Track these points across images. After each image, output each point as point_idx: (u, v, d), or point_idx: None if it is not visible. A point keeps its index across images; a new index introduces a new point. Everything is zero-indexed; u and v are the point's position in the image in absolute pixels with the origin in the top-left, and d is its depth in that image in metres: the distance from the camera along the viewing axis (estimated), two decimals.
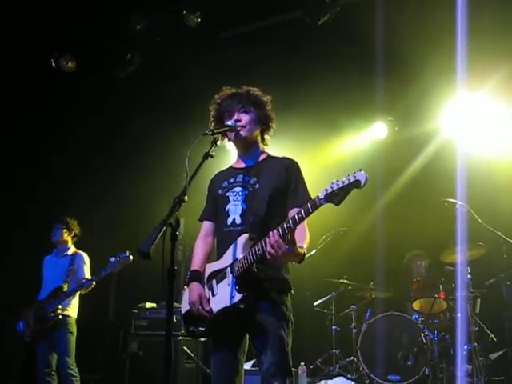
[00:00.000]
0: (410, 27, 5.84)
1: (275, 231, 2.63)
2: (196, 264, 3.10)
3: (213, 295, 2.90)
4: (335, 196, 2.47)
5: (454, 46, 5.75)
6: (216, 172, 3.28)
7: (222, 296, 2.83)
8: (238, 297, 2.74)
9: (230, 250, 2.88)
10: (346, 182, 2.45)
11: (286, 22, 6.60)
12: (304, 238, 2.84)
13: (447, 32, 5.74)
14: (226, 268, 2.87)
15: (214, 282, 2.92)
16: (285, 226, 2.61)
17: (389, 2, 5.87)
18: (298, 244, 2.69)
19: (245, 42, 6.73)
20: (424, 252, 6.62)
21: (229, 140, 3.12)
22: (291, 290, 2.96)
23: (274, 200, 2.92)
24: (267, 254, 2.64)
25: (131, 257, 5.22)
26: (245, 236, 2.84)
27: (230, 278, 2.82)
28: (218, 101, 3.14)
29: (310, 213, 2.57)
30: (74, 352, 5.43)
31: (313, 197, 2.63)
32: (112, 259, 5.24)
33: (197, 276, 3.03)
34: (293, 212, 2.85)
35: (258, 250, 2.70)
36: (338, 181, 2.48)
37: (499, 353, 5.86)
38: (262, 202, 2.91)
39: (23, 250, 6.75)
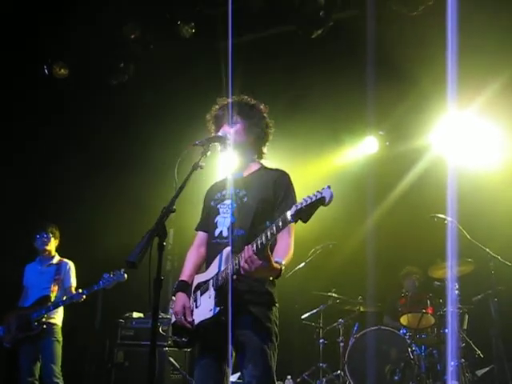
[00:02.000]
0: (401, 43, 5.90)
1: (249, 246, 2.61)
2: (185, 274, 3.10)
3: (196, 307, 2.90)
4: (303, 212, 2.43)
5: (444, 63, 5.80)
6: (212, 183, 3.28)
7: (204, 308, 2.83)
8: (215, 310, 2.74)
9: (215, 262, 2.88)
10: (313, 199, 2.41)
11: (279, 35, 6.63)
12: (285, 254, 2.79)
13: (438, 48, 5.78)
14: (209, 280, 2.86)
15: (198, 293, 2.92)
16: (258, 241, 2.59)
17: (380, 19, 5.91)
18: (275, 259, 2.67)
19: (237, 53, 6.75)
20: (419, 269, 6.61)
21: (222, 148, 3.09)
22: (276, 304, 2.93)
23: (260, 213, 2.90)
24: (241, 269, 2.63)
25: (125, 275, 5.16)
26: (228, 249, 2.83)
27: (211, 290, 2.82)
28: (212, 113, 3.16)
29: (281, 229, 2.53)
30: (60, 360, 5.37)
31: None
32: (106, 275, 5.17)
33: (183, 286, 3.02)
34: None
35: (236, 264, 2.69)
36: (307, 197, 2.45)
37: (486, 369, 5.86)
38: (249, 215, 2.90)
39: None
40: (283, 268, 2.71)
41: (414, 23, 5.89)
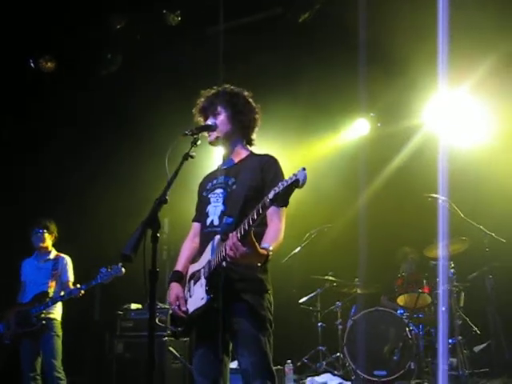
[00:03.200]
0: (392, 23, 5.86)
1: (234, 233, 2.59)
2: (179, 265, 3.11)
3: (190, 296, 2.91)
4: (280, 196, 2.40)
5: (435, 42, 5.78)
6: (205, 174, 3.27)
7: (196, 297, 2.83)
8: (205, 298, 2.74)
9: (207, 251, 2.88)
10: (288, 182, 2.37)
11: (267, 19, 6.58)
12: (274, 240, 2.77)
13: (429, 28, 5.76)
14: (201, 269, 2.87)
15: (192, 282, 2.93)
16: (242, 228, 2.57)
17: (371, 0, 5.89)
18: (262, 245, 2.67)
19: (225, 39, 6.71)
20: (415, 249, 6.63)
21: (211, 139, 3.08)
22: (268, 291, 2.92)
23: (249, 199, 2.87)
24: (227, 256, 2.63)
25: (123, 269, 5.14)
26: (218, 237, 2.82)
27: (202, 278, 2.82)
28: (198, 107, 3.15)
29: (260, 214, 2.49)
30: (61, 355, 5.39)
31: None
32: (103, 270, 5.14)
33: (177, 277, 3.03)
34: (271, 210, 2.84)
35: (222, 251, 2.69)
36: (283, 180, 2.42)
37: (483, 345, 5.92)
38: (238, 203, 2.88)
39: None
40: (270, 254, 2.69)
41: (403, 2, 5.86)
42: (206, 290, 2.75)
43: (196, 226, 3.18)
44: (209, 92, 3.13)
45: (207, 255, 2.86)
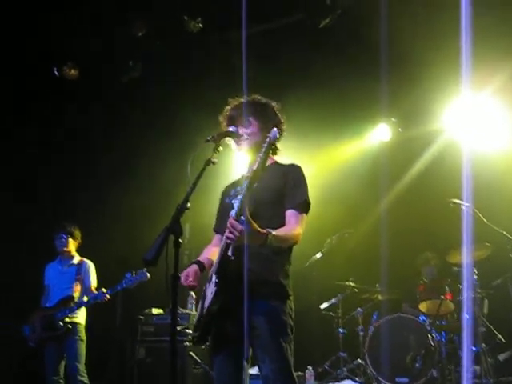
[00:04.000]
0: (413, 28, 5.84)
1: (230, 214, 2.71)
2: (200, 258, 3.13)
3: (205, 298, 2.91)
4: (262, 161, 2.69)
5: (457, 46, 5.72)
6: (228, 183, 3.31)
7: (209, 295, 2.85)
8: (214, 289, 2.76)
9: (219, 250, 2.91)
10: (264, 146, 2.72)
11: (288, 25, 6.60)
12: (282, 230, 2.82)
13: (451, 32, 5.69)
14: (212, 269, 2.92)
15: (206, 285, 2.94)
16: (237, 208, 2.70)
17: (392, 4, 5.86)
18: (266, 230, 2.70)
19: (246, 46, 6.73)
20: (437, 255, 6.56)
21: (235, 145, 3.12)
22: (290, 296, 2.92)
23: (266, 202, 2.92)
24: (227, 240, 2.67)
25: (148, 274, 5.15)
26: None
27: (213, 276, 2.85)
28: (225, 114, 3.17)
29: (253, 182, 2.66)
30: (84, 359, 5.43)
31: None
32: (128, 275, 5.18)
33: (195, 262, 3.05)
34: (290, 212, 2.88)
35: (223, 240, 2.74)
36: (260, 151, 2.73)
37: (508, 353, 5.83)
38: (257, 205, 2.89)
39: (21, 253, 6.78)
40: (271, 236, 2.70)
41: (425, 6, 5.83)
42: (216, 282, 2.77)
43: (217, 236, 3.20)
44: (238, 101, 3.16)
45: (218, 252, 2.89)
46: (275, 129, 2.77)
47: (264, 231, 2.69)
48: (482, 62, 5.68)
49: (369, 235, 6.85)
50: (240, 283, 2.71)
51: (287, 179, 2.99)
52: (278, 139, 2.86)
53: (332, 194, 6.70)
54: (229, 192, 3.18)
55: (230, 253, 2.71)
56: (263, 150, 2.70)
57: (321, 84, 6.72)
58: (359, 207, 6.98)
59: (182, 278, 2.91)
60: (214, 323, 2.85)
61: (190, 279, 2.92)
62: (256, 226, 2.67)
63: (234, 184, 3.21)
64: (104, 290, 5.33)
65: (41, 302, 5.70)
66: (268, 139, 2.72)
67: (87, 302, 5.36)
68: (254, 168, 2.68)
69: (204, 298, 2.91)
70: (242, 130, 3.06)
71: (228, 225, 2.63)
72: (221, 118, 3.19)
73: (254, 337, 2.81)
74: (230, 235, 2.63)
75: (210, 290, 2.84)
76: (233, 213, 2.76)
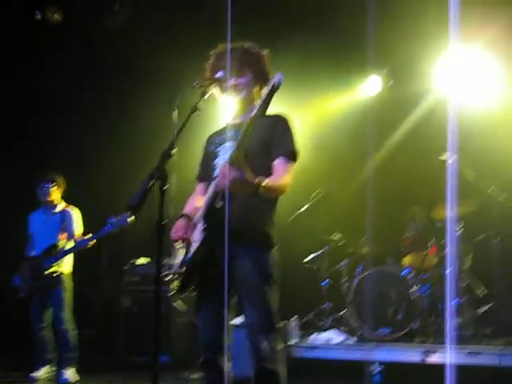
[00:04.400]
0: None
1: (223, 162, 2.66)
2: (186, 211, 3.08)
3: (189, 245, 2.89)
4: (264, 107, 2.60)
5: None
6: (212, 132, 3.23)
7: (194, 241, 2.83)
8: (200, 237, 2.75)
9: (205, 196, 2.87)
10: (267, 91, 2.59)
11: None
12: (273, 179, 2.78)
13: None
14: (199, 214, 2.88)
15: (190, 231, 2.91)
16: (232, 153, 2.64)
17: None
18: (257, 178, 2.67)
19: None
20: (423, 211, 6.58)
21: (222, 91, 3.02)
22: (274, 245, 2.91)
23: (257, 151, 2.86)
24: (217, 186, 2.64)
25: (131, 218, 5.11)
26: (215, 180, 2.79)
27: (200, 221, 2.83)
28: (213, 59, 3.06)
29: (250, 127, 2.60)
30: (70, 307, 5.45)
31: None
32: (112, 219, 5.14)
33: (182, 216, 3.00)
34: (277, 161, 2.85)
35: (214, 186, 2.70)
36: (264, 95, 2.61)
37: (487, 306, 5.95)
38: (244, 155, 2.85)
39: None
40: (263, 185, 2.67)
41: None
42: (202, 231, 2.74)
43: (201, 185, 3.15)
44: (225, 48, 3.03)
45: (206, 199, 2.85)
46: (279, 73, 2.59)
47: (256, 181, 2.65)
48: (472, 14, 5.58)
49: (356, 190, 6.85)
50: (223, 227, 2.67)
51: (274, 130, 2.94)
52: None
53: (320, 147, 6.67)
54: (213, 140, 3.12)
55: (217, 201, 2.68)
56: (265, 95, 2.58)
57: (311, 35, 6.58)
58: (347, 161, 6.95)
59: (172, 233, 2.89)
60: (198, 271, 2.84)
61: (180, 233, 2.88)
62: (250, 174, 2.62)
63: (219, 132, 3.14)
64: (87, 236, 5.30)
65: (25, 251, 5.67)
66: (272, 84, 2.56)
67: (70, 249, 5.35)
68: (253, 114, 2.60)
69: (188, 245, 2.89)
70: (233, 80, 2.98)
71: (220, 171, 2.57)
72: (208, 62, 3.07)
73: (240, 284, 2.81)
74: (221, 182, 2.58)
75: (195, 237, 2.82)
76: (222, 160, 2.72)
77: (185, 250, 2.90)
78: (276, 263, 2.89)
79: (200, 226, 2.81)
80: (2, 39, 6.65)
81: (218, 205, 2.67)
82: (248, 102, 3.04)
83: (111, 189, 6.63)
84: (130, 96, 7.26)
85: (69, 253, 5.40)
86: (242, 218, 2.78)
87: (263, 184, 2.68)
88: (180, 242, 2.89)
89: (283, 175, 2.84)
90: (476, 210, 5.92)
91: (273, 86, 2.54)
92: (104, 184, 6.88)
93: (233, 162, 2.57)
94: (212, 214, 2.74)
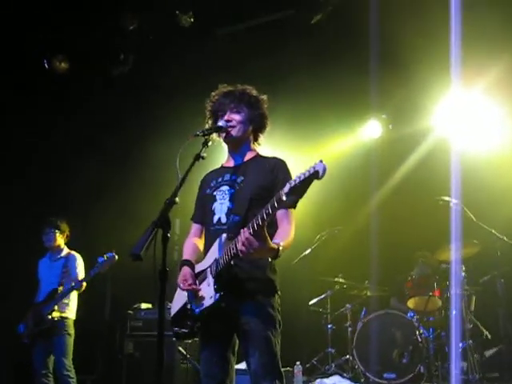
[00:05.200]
0: (403, 24, 5.85)
1: (245, 229, 2.60)
2: (186, 256, 3.09)
3: (195, 296, 2.88)
4: (297, 189, 2.41)
5: (448, 44, 5.76)
6: (207, 171, 3.26)
7: (203, 296, 2.83)
8: (215, 296, 2.74)
9: (213, 249, 2.88)
10: (307, 174, 2.39)
11: (279, 20, 6.59)
12: (285, 237, 2.80)
13: (441, 29, 5.74)
14: (207, 268, 2.87)
15: (197, 282, 2.91)
16: (254, 223, 2.59)
17: (382, 0, 5.87)
18: (273, 241, 2.69)
19: (238, 40, 6.74)
20: (427, 252, 6.55)
21: (220, 137, 3.09)
22: (278, 291, 2.93)
23: (257, 199, 2.88)
24: (239, 252, 2.63)
25: (116, 256, 5.23)
26: (224, 235, 2.83)
27: (209, 277, 2.82)
28: (213, 99, 3.13)
29: (276, 208, 2.51)
30: (71, 353, 5.42)
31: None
32: (100, 259, 5.24)
33: (187, 262, 3.01)
34: (281, 213, 2.86)
35: (232, 248, 2.69)
36: (300, 174, 2.43)
37: (494, 350, 5.88)
38: (245, 201, 2.89)
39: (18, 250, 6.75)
40: (281, 249, 2.70)
41: (416, 3, 5.83)
42: (215, 289, 2.75)
43: (195, 226, 3.18)
44: (226, 88, 3.13)
45: (214, 254, 2.86)
46: (322, 163, 2.36)
47: (275, 246, 2.69)
48: (472, 59, 5.73)
49: (358, 232, 6.87)
50: (231, 282, 2.74)
51: (275, 177, 2.96)
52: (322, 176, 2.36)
53: (321, 190, 6.69)
54: (209, 182, 3.13)
55: (233, 261, 2.73)
56: (303, 177, 2.38)
57: (311, 79, 6.71)
58: (349, 204, 6.99)
59: (180, 282, 2.90)
60: (205, 319, 2.85)
61: (189, 282, 2.89)
62: (270, 242, 2.65)
63: (214, 174, 3.16)
64: (83, 277, 5.38)
65: (35, 298, 5.69)
66: (315, 170, 2.35)
67: (68, 290, 5.35)
68: (285, 191, 2.43)
69: (195, 294, 2.89)
70: (231, 115, 3.03)
71: (243, 238, 2.58)
72: (208, 102, 3.14)
73: (243, 331, 2.82)
74: (244, 249, 2.59)
75: (204, 290, 2.83)
76: (220, 204, 2.76)
77: (187, 298, 2.91)
78: (279, 309, 2.91)
79: (210, 281, 2.81)
80: (9, 85, 6.80)
81: (233, 271, 2.74)
82: (241, 143, 3.09)
83: (112, 237, 6.66)
84: (135, 143, 7.39)
85: (66, 294, 5.39)
86: (244, 268, 2.81)
87: (281, 248, 2.72)
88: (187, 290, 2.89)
89: (290, 229, 2.88)
90: (479, 251, 5.92)
91: (315, 172, 2.36)
92: (105, 231, 6.91)
93: (256, 231, 2.58)
94: (225, 273, 2.76)
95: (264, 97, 3.17)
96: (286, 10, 6.47)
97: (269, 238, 2.63)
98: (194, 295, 2.88)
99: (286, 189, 2.42)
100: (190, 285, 2.87)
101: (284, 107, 5.63)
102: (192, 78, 6.75)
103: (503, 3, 5.67)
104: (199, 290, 2.85)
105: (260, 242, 2.58)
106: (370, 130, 7.39)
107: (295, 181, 2.40)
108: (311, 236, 6.64)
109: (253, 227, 2.57)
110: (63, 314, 5.42)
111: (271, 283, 2.92)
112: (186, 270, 2.96)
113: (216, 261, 2.81)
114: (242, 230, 2.61)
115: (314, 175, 2.35)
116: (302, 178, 2.38)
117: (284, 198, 2.43)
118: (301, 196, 2.44)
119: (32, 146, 7.17)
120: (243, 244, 2.58)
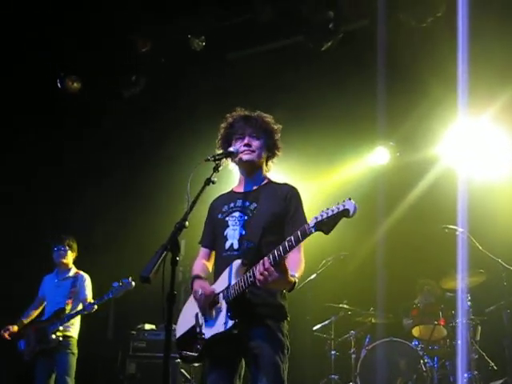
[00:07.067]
0: (411, 53, 5.92)
1: (266, 258, 2.62)
2: (197, 272, 3.10)
3: (205, 320, 2.90)
4: (324, 225, 2.47)
5: (455, 72, 5.81)
6: (217, 195, 3.28)
7: (215, 322, 2.83)
8: (229, 323, 2.75)
9: (224, 274, 2.89)
10: (336, 211, 2.45)
11: (289, 46, 6.68)
12: (297, 268, 2.83)
13: (449, 58, 5.80)
14: (219, 293, 2.88)
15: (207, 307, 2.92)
16: (276, 253, 2.61)
17: (391, 30, 5.94)
18: (290, 272, 2.70)
19: (248, 65, 6.82)
20: (432, 281, 6.53)
21: (232, 161, 3.13)
22: (287, 317, 2.95)
23: (271, 226, 2.92)
24: (257, 281, 2.64)
25: (133, 283, 5.21)
26: (238, 261, 2.85)
27: (223, 303, 2.83)
28: (230, 120, 3.16)
29: (300, 241, 2.57)
30: (74, 372, 5.40)
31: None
32: (115, 284, 5.24)
33: (200, 277, 3.02)
34: None
35: (250, 276, 2.71)
36: (327, 209, 2.48)
37: (499, 381, 5.80)
38: (259, 228, 2.92)
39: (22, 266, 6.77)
40: (296, 281, 2.74)
41: (423, 32, 5.90)
42: (229, 316, 2.76)
43: (204, 250, 3.19)
44: (243, 112, 3.18)
45: (225, 279, 2.86)
46: (351, 201, 2.46)
47: (293, 279, 2.73)
48: (479, 87, 5.77)
49: (364, 258, 6.85)
50: (244, 309, 2.77)
51: (288, 205, 3.00)
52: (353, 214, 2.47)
53: None
54: (220, 207, 3.15)
55: (247, 293, 2.77)
56: (331, 213, 2.46)
57: (318, 106, 6.78)
58: (355, 230, 6.94)
59: (199, 291, 2.89)
60: (215, 344, 2.85)
61: (209, 290, 2.89)
62: (289, 274, 2.68)
63: (225, 199, 3.19)
64: (91, 300, 5.34)
65: (27, 311, 5.68)
66: (345, 208, 2.44)
67: (77, 312, 5.35)
68: (309, 228, 2.53)
69: (202, 319, 2.90)
70: (249, 140, 3.06)
71: (262, 269, 2.61)
72: (223, 125, 3.18)
73: (253, 356, 2.83)
74: (262, 279, 2.61)
75: (217, 316, 2.83)
76: (232, 230, 2.82)
77: (195, 321, 2.91)
78: (288, 335, 2.92)
79: (223, 307, 2.82)
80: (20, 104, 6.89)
81: (246, 297, 2.78)
82: (255, 168, 3.12)
83: (120, 256, 6.67)
84: (146, 159, 7.43)
85: (73, 316, 5.39)
86: (256, 293, 2.83)
87: (297, 278, 2.77)
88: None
89: (301, 258, 2.93)
90: (485, 281, 5.89)
91: (345, 210, 2.44)
92: (114, 251, 6.92)
93: (276, 262, 2.61)
94: (241, 300, 2.78)
95: (279, 126, 3.22)
96: (295, 36, 6.56)
97: (288, 271, 2.66)
98: (203, 319, 2.89)
99: (312, 223, 2.49)
100: (211, 291, 2.86)
101: (292, 134, 5.66)
102: (203, 101, 6.82)
103: (511, 31, 5.73)
104: (216, 299, 2.85)
105: (279, 274, 2.61)
106: (378, 157, 7.40)
107: (322, 216, 2.47)
108: (317, 261, 6.62)
109: (274, 257, 2.60)
110: (67, 333, 5.41)
111: (282, 309, 2.94)
112: (199, 282, 2.97)
113: (230, 287, 2.82)
114: (262, 260, 2.63)
115: (344, 213, 2.43)
116: (330, 214, 2.46)
117: (309, 231, 2.50)
118: (328, 231, 2.48)
119: (40, 161, 7.22)
120: (262, 274, 2.60)
